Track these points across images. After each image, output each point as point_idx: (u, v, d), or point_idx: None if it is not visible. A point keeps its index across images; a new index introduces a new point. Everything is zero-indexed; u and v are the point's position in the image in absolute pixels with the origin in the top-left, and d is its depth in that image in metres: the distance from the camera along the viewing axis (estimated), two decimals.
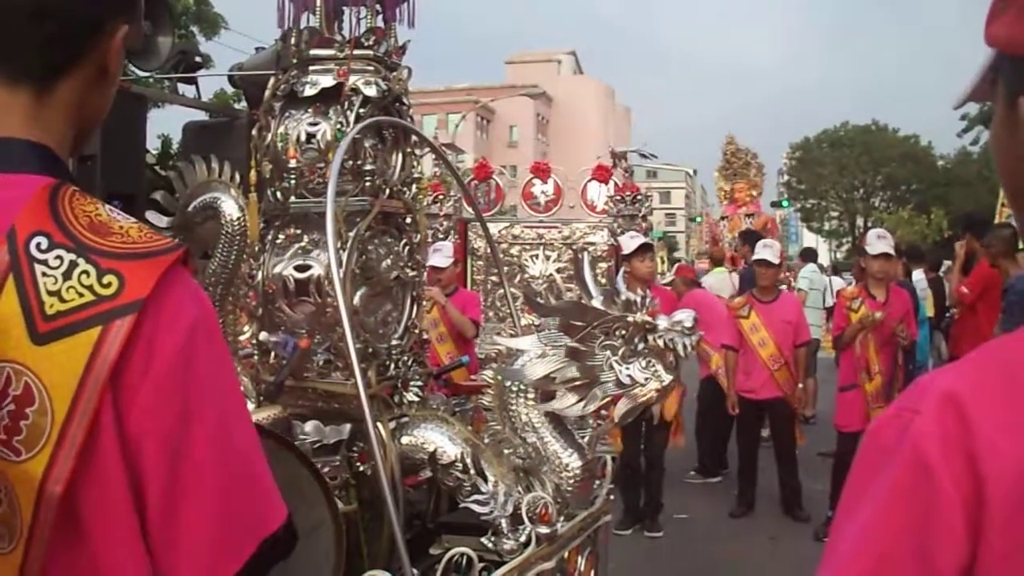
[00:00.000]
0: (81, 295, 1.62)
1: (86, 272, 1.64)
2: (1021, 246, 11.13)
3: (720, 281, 16.68)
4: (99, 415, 1.60)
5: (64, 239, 1.66)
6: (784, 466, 11.68)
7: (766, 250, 11.77)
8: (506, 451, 4.39)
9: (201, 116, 9.40)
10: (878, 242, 10.80)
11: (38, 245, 1.65)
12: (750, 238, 16.95)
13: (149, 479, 1.63)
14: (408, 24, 4.82)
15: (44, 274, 1.63)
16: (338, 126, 4.53)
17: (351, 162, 4.51)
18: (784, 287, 13.09)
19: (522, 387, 4.28)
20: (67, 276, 1.63)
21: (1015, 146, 1.42)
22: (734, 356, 11.68)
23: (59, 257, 1.64)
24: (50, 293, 1.62)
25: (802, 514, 11.42)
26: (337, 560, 3.87)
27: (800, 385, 11.67)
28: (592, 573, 4.70)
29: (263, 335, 4.65)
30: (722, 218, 20.15)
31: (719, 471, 13.66)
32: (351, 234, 4.45)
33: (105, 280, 1.64)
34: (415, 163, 4.96)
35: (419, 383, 4.87)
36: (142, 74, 9.19)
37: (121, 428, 1.62)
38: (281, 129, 4.63)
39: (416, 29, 4.84)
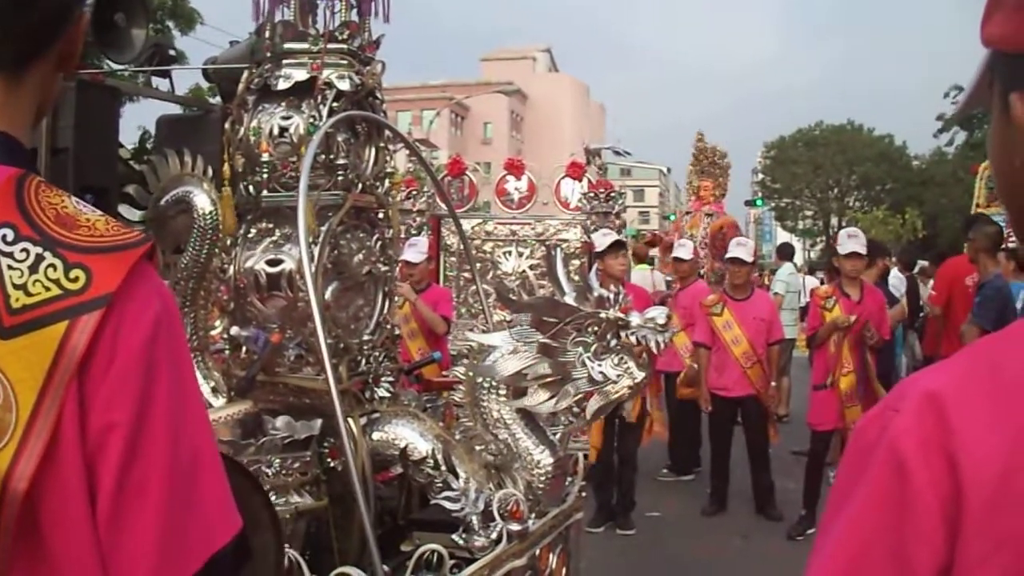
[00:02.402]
0: (48, 289, 1.59)
1: (53, 266, 1.60)
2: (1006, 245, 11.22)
3: (643, 279, 16.72)
4: (64, 411, 1.57)
5: (31, 232, 1.63)
6: (757, 465, 11.68)
7: (739, 248, 11.83)
8: (477, 447, 4.40)
9: (175, 110, 9.36)
10: (848, 241, 10.91)
11: (3, 237, 1.61)
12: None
13: (103, 478, 1.59)
14: (383, 19, 4.81)
15: (10, 267, 1.59)
16: (311, 120, 4.52)
17: (324, 156, 4.51)
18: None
19: (494, 383, 4.28)
20: (33, 269, 1.60)
21: (1010, 147, 1.41)
22: (706, 354, 11.69)
23: (25, 250, 1.61)
24: (16, 287, 1.58)
25: (775, 513, 11.43)
26: None
27: (773, 383, 11.69)
28: (564, 571, 4.70)
29: (234, 329, 4.64)
30: (686, 213, 20.18)
31: (692, 469, 13.67)
32: (323, 228, 4.45)
33: (72, 274, 1.60)
34: (388, 158, 4.95)
35: (390, 379, 4.87)
36: (116, 67, 9.11)
37: (84, 425, 1.59)
38: (254, 123, 4.63)
39: (391, 24, 4.83)
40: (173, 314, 1.75)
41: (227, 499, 1.76)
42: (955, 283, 11.82)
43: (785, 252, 20.95)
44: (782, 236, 75.38)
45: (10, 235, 1.62)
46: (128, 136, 9.12)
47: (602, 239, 10.84)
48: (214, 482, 1.74)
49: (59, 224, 1.66)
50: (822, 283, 15.92)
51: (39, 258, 1.61)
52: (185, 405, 1.72)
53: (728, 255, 12.13)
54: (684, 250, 13.81)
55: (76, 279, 1.61)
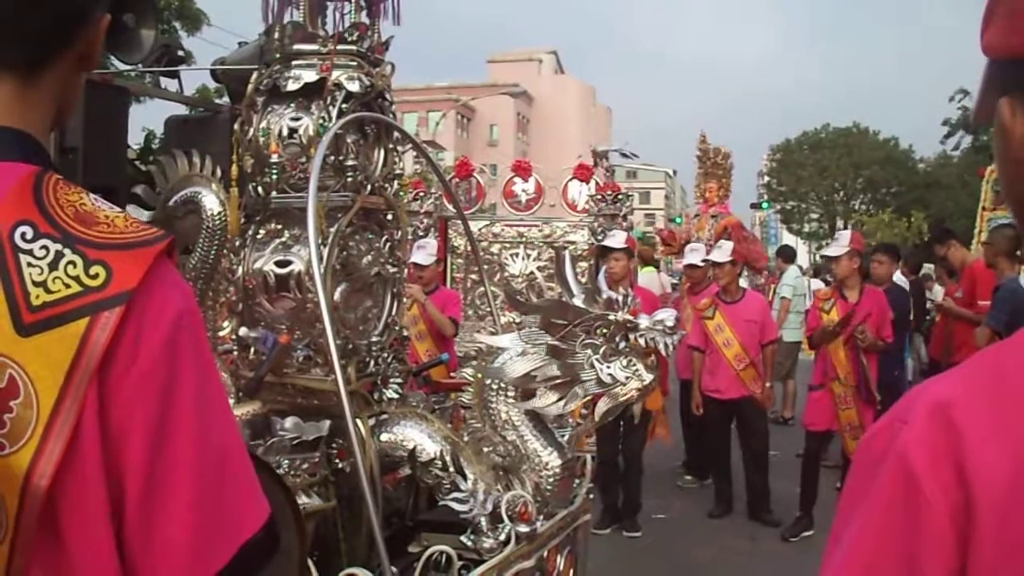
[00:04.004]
0: (68, 286, 1.58)
1: (72, 263, 1.60)
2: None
3: (650, 281, 16.67)
4: (84, 408, 1.56)
5: (50, 229, 1.62)
6: (752, 467, 11.66)
7: (716, 251, 12.02)
8: (486, 449, 4.40)
9: (183, 110, 9.38)
10: (831, 245, 11.10)
11: (23, 235, 1.61)
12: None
13: (130, 475, 1.59)
14: (394, 20, 4.81)
15: (30, 264, 1.59)
16: (320, 121, 4.52)
17: (333, 157, 4.51)
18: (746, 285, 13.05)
19: (502, 385, 4.28)
20: (53, 266, 1.59)
21: (1009, 151, 1.43)
22: (700, 357, 11.71)
23: (45, 247, 1.60)
24: (36, 284, 1.58)
25: (770, 517, 11.39)
26: None
27: (768, 384, 11.65)
28: (571, 572, 4.70)
29: (243, 330, 4.65)
30: (695, 216, 20.09)
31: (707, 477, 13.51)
32: (332, 230, 4.45)
33: (92, 271, 1.60)
34: (397, 159, 4.95)
35: (399, 380, 4.87)
36: (124, 67, 9.11)
37: (104, 422, 1.58)
38: (263, 124, 4.62)
39: (401, 25, 4.84)
40: (194, 311, 1.75)
41: (255, 488, 1.77)
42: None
43: (787, 255, 20.85)
44: (787, 239, 75.40)
45: (29, 232, 1.62)
46: (133, 137, 9.11)
47: (611, 241, 10.88)
48: (242, 472, 1.75)
49: (78, 221, 1.66)
50: (827, 285, 15.91)
51: (59, 255, 1.61)
52: (210, 400, 1.72)
53: (707, 257, 12.25)
54: (696, 255, 13.53)
55: (96, 276, 1.60)
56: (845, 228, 72.88)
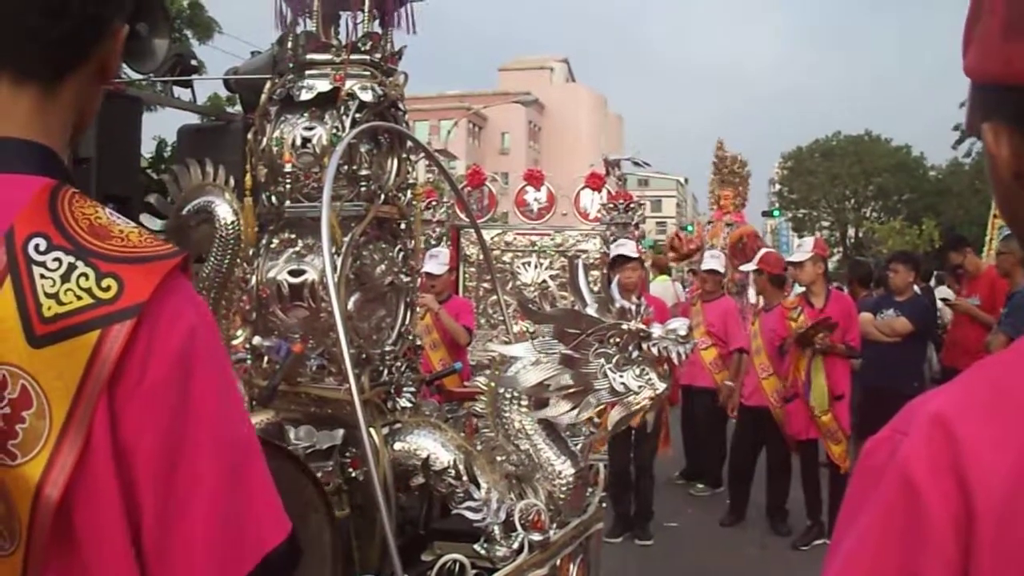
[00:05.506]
0: (80, 298, 1.59)
1: (85, 275, 1.61)
2: None
3: (664, 289, 16.64)
4: (95, 420, 1.57)
5: (63, 241, 1.63)
6: (772, 479, 11.56)
7: (749, 262, 11.92)
8: (499, 458, 4.39)
9: (195, 119, 9.39)
10: (795, 252, 11.07)
11: (36, 247, 1.62)
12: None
13: (145, 489, 1.60)
14: (409, 30, 4.82)
15: (42, 276, 1.60)
16: (334, 131, 4.52)
17: (346, 167, 4.51)
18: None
19: (515, 394, 4.27)
20: (66, 278, 1.60)
21: (997, 175, 1.44)
22: (746, 360, 11.83)
23: (58, 259, 1.61)
24: (48, 295, 1.59)
25: (782, 526, 11.35)
26: (334, 567, 3.86)
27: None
28: None
29: (256, 339, 4.65)
30: (709, 222, 20.05)
31: (722, 481, 13.42)
32: (346, 239, 4.45)
33: (104, 283, 1.61)
34: (410, 168, 4.95)
35: (412, 389, 4.87)
36: (137, 76, 9.13)
37: (115, 434, 1.59)
38: (276, 133, 4.63)
39: (416, 35, 4.84)
40: (209, 324, 1.76)
41: (276, 502, 1.77)
42: None
43: None
44: None
45: (43, 245, 1.63)
46: (145, 146, 9.13)
47: (625, 250, 10.85)
48: (262, 485, 1.75)
49: (92, 234, 1.67)
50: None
51: (71, 267, 1.62)
52: (228, 413, 1.73)
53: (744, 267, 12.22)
54: (717, 262, 13.49)
55: (108, 288, 1.61)
56: (856, 236, 72.96)
